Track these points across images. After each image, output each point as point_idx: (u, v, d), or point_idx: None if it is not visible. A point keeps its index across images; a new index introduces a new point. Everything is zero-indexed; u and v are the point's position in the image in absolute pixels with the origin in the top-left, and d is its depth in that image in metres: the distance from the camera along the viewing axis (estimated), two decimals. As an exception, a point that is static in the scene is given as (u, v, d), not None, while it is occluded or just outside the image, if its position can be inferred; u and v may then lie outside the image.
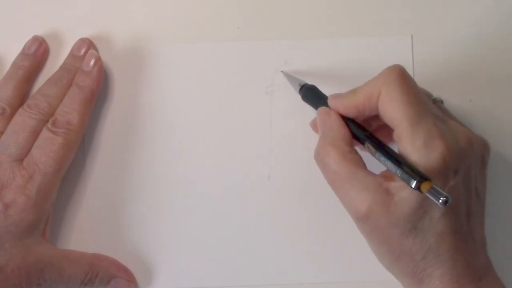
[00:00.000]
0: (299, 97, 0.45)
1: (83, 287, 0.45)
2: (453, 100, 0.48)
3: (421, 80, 0.48)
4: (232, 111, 0.48)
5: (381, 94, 0.39)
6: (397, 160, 0.38)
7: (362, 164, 0.39)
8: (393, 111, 0.38)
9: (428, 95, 0.45)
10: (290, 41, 0.48)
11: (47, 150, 0.44)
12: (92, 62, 0.47)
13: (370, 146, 0.40)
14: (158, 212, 0.47)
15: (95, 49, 0.48)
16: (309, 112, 0.46)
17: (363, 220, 0.39)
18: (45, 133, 0.44)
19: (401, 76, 0.39)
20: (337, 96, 0.42)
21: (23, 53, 0.48)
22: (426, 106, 0.39)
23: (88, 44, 0.48)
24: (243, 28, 0.48)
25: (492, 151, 0.47)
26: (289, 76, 0.47)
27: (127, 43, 0.48)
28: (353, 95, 0.41)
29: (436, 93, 0.47)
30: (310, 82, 0.45)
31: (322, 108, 0.42)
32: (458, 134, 0.39)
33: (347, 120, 0.41)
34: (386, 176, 0.39)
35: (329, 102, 0.42)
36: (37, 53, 0.48)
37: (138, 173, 0.47)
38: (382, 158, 0.39)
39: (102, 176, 0.47)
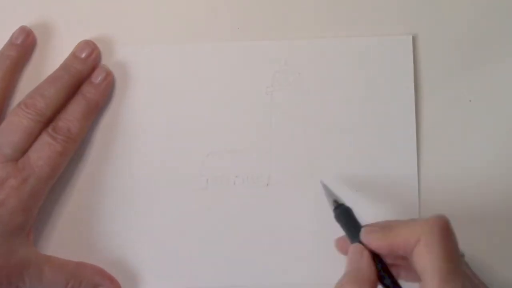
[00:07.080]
0: (299, 97, 0.45)
1: None
2: (453, 100, 0.48)
3: (421, 80, 0.48)
4: (232, 112, 0.48)
5: (420, 242, 0.37)
6: None
7: None
8: (428, 263, 0.37)
9: None
10: (290, 41, 0.48)
11: (45, 155, 0.44)
12: (102, 76, 0.47)
13: None
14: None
15: (99, 52, 0.48)
16: (309, 112, 0.46)
17: None
18: (44, 138, 0.44)
19: (446, 230, 0.38)
20: (371, 231, 0.40)
21: (11, 43, 0.47)
22: (459, 264, 0.38)
23: (92, 47, 0.47)
24: (243, 28, 0.48)
25: (493, 152, 0.47)
26: (326, 189, 0.45)
27: (126, 44, 0.48)
28: (388, 234, 0.39)
29: (436, 93, 0.47)
30: (310, 82, 0.45)
31: (357, 245, 0.40)
32: None
33: (377, 262, 0.39)
34: None
35: (362, 236, 0.40)
36: (24, 43, 0.47)
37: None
38: None
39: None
